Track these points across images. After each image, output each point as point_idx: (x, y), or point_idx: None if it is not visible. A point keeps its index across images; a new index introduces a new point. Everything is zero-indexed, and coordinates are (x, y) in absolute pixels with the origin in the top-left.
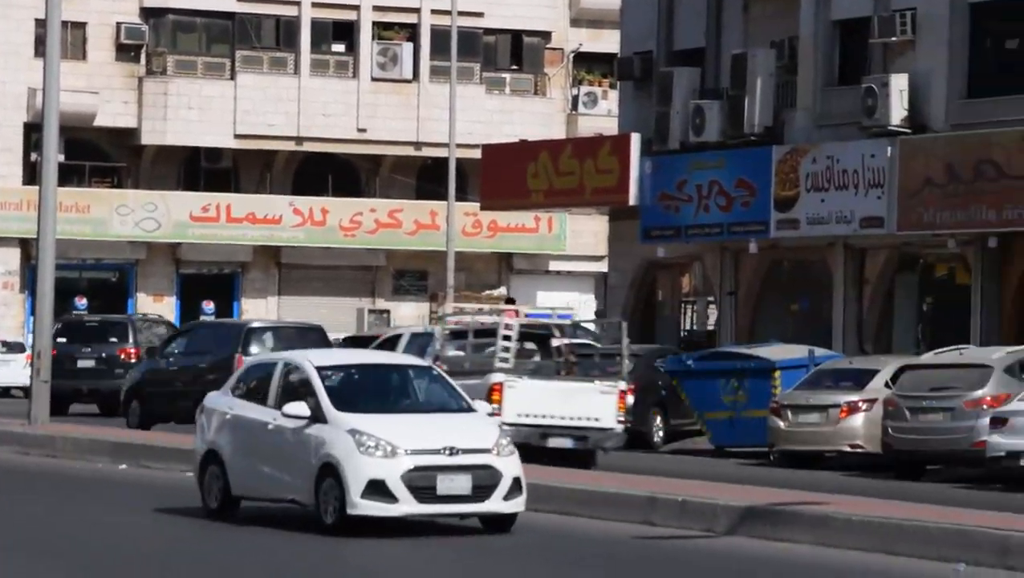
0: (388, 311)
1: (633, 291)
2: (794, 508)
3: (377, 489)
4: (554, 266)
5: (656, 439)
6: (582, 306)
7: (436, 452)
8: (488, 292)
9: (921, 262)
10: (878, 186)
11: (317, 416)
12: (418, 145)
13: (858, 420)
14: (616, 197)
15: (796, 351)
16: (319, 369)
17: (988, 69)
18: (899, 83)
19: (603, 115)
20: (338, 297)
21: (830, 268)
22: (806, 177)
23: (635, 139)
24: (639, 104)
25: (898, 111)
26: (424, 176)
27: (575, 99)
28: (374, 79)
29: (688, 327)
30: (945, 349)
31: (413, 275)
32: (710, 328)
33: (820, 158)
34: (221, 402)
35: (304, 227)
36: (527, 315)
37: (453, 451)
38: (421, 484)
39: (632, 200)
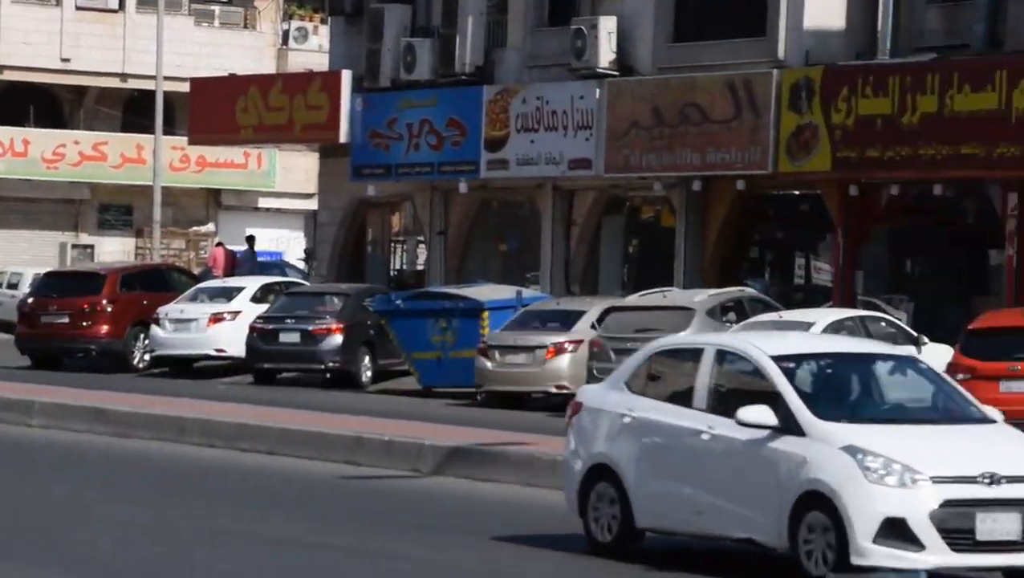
0: (92, 246)
1: (343, 229)
2: (500, 448)
3: (896, 531)
4: (264, 203)
5: (364, 379)
6: (291, 244)
7: (972, 480)
8: (196, 228)
9: (628, 204)
10: (587, 128)
11: (788, 426)
12: (124, 77)
13: (564, 361)
14: (326, 134)
15: (504, 292)
16: (777, 360)
17: (694, 13)
18: (607, 25)
19: (314, 51)
20: (40, 231)
21: (539, 209)
22: (516, 118)
23: (346, 76)
24: (350, 40)
25: (606, 53)
26: (130, 109)
27: (286, 34)
28: (78, 8)
29: (398, 266)
30: (649, 291)
31: (119, 209)
32: (420, 268)
33: (530, 99)
34: (612, 400)
35: (4, 158)
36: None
37: (994, 479)
38: (955, 525)
39: (343, 137)
